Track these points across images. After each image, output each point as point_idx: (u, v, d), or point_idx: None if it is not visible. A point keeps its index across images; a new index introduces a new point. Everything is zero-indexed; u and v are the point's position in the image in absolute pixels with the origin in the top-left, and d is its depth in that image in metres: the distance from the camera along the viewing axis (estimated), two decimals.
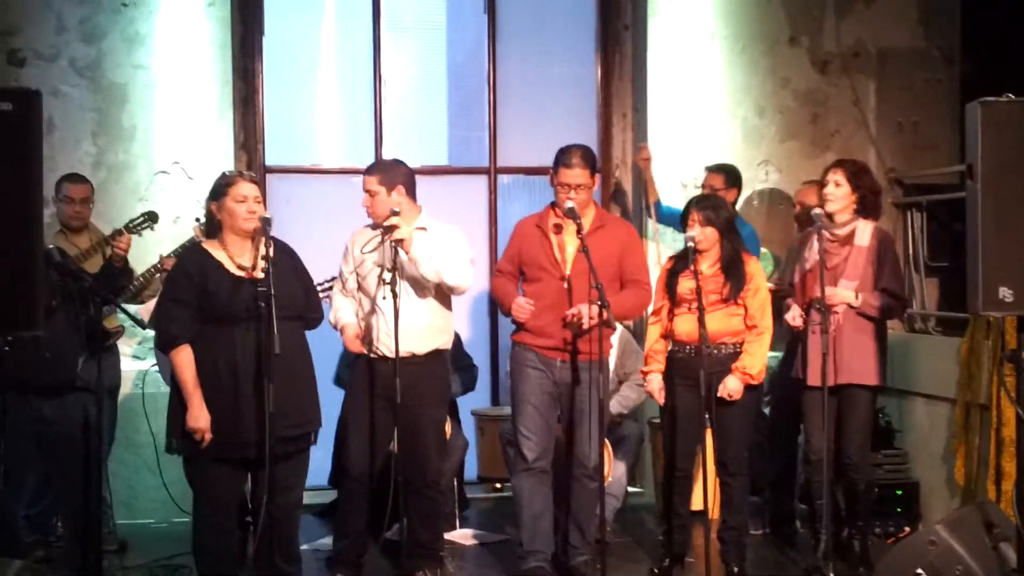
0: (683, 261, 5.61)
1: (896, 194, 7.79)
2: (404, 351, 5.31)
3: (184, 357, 4.78)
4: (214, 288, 4.79)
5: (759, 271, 5.71)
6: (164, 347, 4.86)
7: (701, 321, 5.36)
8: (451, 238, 5.58)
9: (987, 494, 5.95)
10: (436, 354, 5.56)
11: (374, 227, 5.58)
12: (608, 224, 5.63)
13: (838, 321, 5.65)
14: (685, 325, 5.58)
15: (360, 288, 5.57)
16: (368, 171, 5.64)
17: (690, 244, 5.51)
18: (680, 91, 7.69)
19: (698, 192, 6.98)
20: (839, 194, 5.71)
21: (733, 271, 5.58)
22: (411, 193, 5.58)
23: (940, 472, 6.62)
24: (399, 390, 5.19)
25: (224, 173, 5.06)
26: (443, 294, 5.58)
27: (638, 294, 5.60)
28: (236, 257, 4.88)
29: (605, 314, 5.19)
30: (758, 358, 5.57)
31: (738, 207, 7.33)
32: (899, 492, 6.70)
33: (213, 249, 4.92)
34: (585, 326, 5.38)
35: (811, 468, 5.81)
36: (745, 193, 7.56)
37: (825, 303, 5.54)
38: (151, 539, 6.61)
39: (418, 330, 5.44)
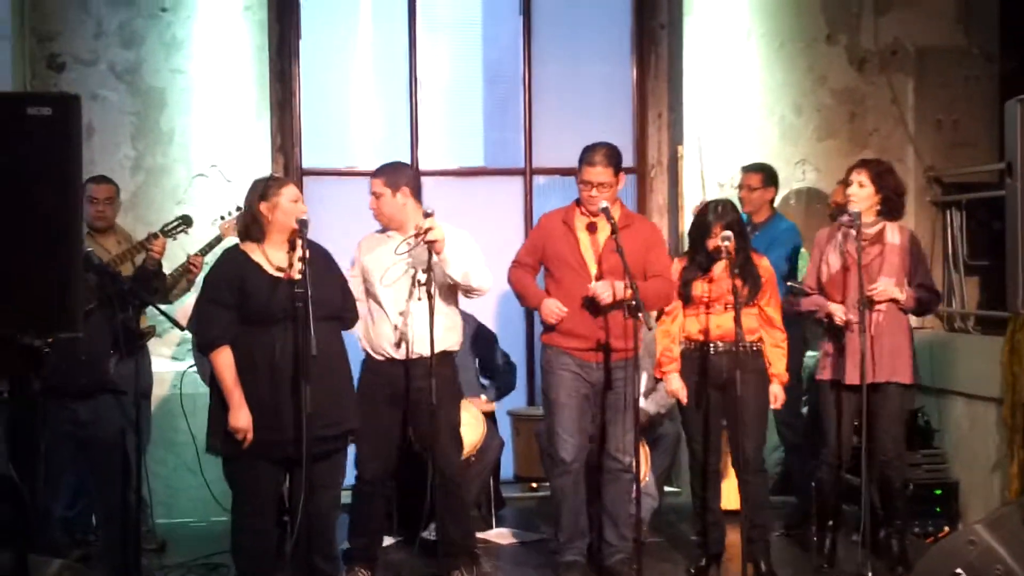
0: (694, 264, 5.65)
1: (935, 192, 7.74)
2: (413, 353, 5.39)
3: (224, 358, 4.83)
4: (252, 289, 4.83)
5: (770, 270, 5.73)
6: (204, 348, 4.90)
7: (737, 321, 5.36)
8: (464, 241, 5.59)
9: None
10: (444, 355, 5.57)
11: (382, 231, 5.60)
12: (634, 223, 5.64)
13: (878, 319, 5.63)
14: (695, 324, 5.65)
15: (368, 293, 5.59)
16: (374, 173, 5.67)
17: (726, 243, 5.47)
18: (716, 90, 7.68)
19: (735, 192, 6.97)
20: (863, 195, 5.71)
21: (749, 274, 5.59)
22: (416, 195, 5.61)
23: (979, 472, 6.57)
24: (433, 390, 5.21)
25: (271, 175, 5.10)
26: (450, 296, 5.58)
27: (663, 284, 5.61)
28: (273, 258, 4.91)
29: (640, 314, 5.19)
30: (785, 359, 5.67)
31: (776, 205, 7.32)
32: (938, 492, 6.66)
33: (251, 251, 4.95)
34: (606, 301, 5.39)
35: (825, 469, 5.86)
36: (782, 192, 7.52)
37: (871, 300, 5.53)
38: (190, 538, 6.68)
39: (424, 330, 5.43)
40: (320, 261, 5.02)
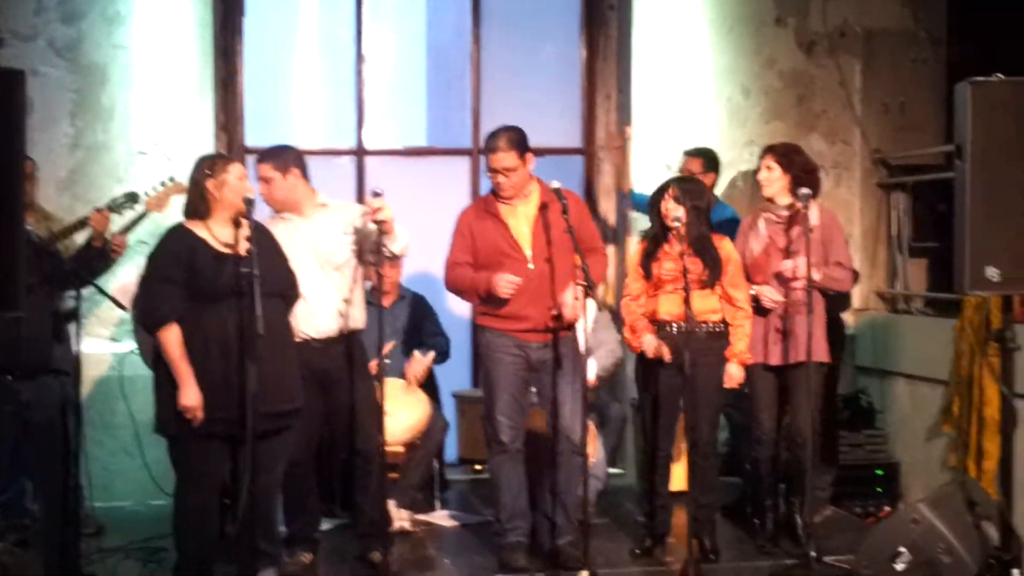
0: (655, 242, 5.63)
1: (881, 175, 7.77)
2: (322, 332, 5.36)
3: (172, 336, 4.76)
4: (200, 266, 4.78)
5: (734, 252, 5.73)
6: (152, 327, 4.82)
7: (687, 302, 5.34)
8: (362, 211, 5.57)
9: (968, 473, 5.97)
10: (356, 333, 5.54)
11: (275, 215, 5.55)
12: (555, 198, 5.54)
13: (796, 298, 5.66)
14: (667, 305, 5.59)
15: None
16: (260, 159, 5.61)
17: (676, 224, 5.48)
18: (665, 72, 7.64)
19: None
20: (773, 178, 5.78)
21: (707, 254, 5.60)
22: (305, 174, 5.56)
23: (920, 452, 6.63)
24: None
25: (218, 152, 5.04)
26: (352, 273, 5.51)
27: (598, 260, 5.67)
28: (219, 235, 4.86)
29: (590, 293, 5.20)
30: (746, 340, 5.67)
31: (722, 189, 7.33)
32: (880, 472, 6.72)
33: (196, 228, 4.90)
34: (569, 316, 5.39)
35: (760, 447, 5.89)
36: (730, 175, 7.55)
37: (787, 277, 5.61)
38: (128, 521, 6.57)
39: (333, 310, 5.42)
40: (265, 239, 4.97)
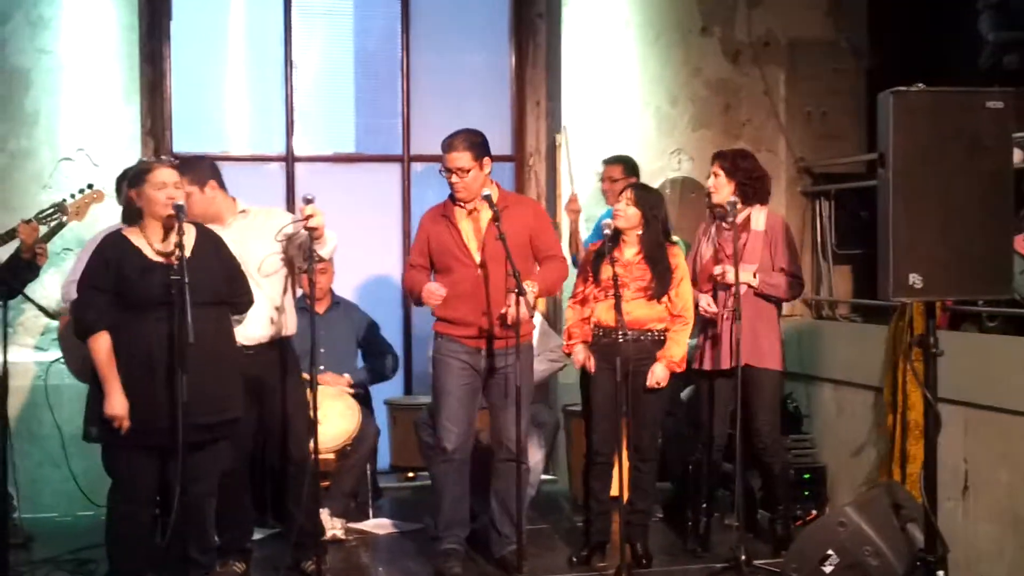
0: (604, 247, 5.61)
1: (805, 182, 7.90)
2: (253, 339, 5.32)
3: (101, 343, 4.72)
4: (129, 273, 4.74)
5: (683, 261, 5.77)
6: (82, 334, 4.78)
7: (618, 308, 5.38)
8: (285, 214, 5.56)
9: (893, 476, 6.08)
10: (284, 340, 5.52)
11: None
12: (512, 204, 5.61)
13: (731, 305, 5.74)
14: (607, 311, 5.60)
15: None
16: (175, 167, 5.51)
17: (606, 232, 5.53)
18: (594, 80, 7.71)
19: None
20: (719, 184, 5.85)
21: (658, 264, 5.63)
22: (223, 185, 5.49)
23: (846, 456, 6.74)
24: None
25: (142, 160, 4.99)
26: (280, 281, 5.48)
27: (556, 267, 5.64)
28: (155, 243, 4.81)
29: (522, 301, 5.20)
30: (682, 346, 5.69)
31: None
32: (807, 476, 6.79)
33: (133, 236, 4.86)
34: (509, 321, 5.39)
35: (703, 451, 5.96)
36: (657, 182, 7.62)
37: (723, 282, 5.67)
38: (56, 532, 6.47)
39: (264, 317, 5.38)
40: (208, 246, 4.93)
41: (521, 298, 5.24)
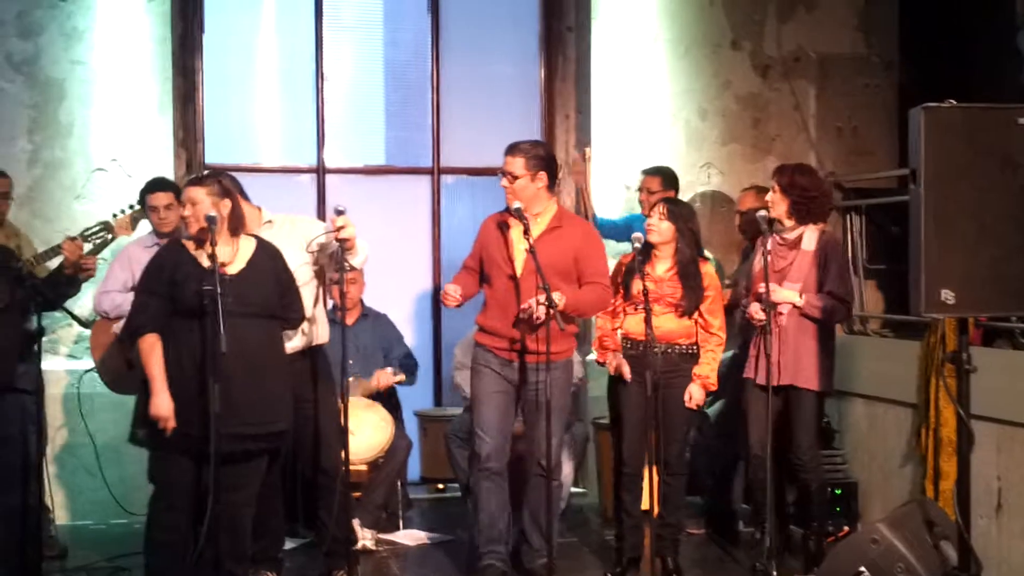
0: (640, 259, 5.57)
1: (835, 197, 7.87)
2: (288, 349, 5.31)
3: (148, 345, 4.81)
4: (181, 280, 4.82)
5: (714, 276, 5.77)
6: (130, 336, 4.89)
7: (648, 323, 5.37)
8: (319, 225, 5.59)
9: (926, 493, 6.05)
10: (315, 349, 5.54)
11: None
12: (566, 224, 5.58)
13: (781, 322, 5.71)
14: (637, 324, 5.60)
15: None
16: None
17: (636, 245, 5.51)
18: (623, 93, 7.73)
19: (637, 195, 7.05)
20: (775, 200, 5.79)
21: (690, 280, 5.63)
22: (245, 195, 5.44)
23: (878, 472, 6.71)
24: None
25: (195, 175, 5.09)
26: (311, 291, 5.47)
27: (597, 292, 5.56)
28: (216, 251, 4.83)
29: (552, 313, 5.19)
30: (715, 365, 5.71)
31: None
32: (838, 492, 6.76)
33: (189, 244, 4.95)
34: (536, 319, 5.37)
35: (754, 465, 5.85)
36: (687, 196, 7.61)
37: (769, 301, 5.60)
38: (90, 541, 6.51)
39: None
40: (265, 259, 5.00)
41: (551, 310, 5.22)
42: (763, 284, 5.60)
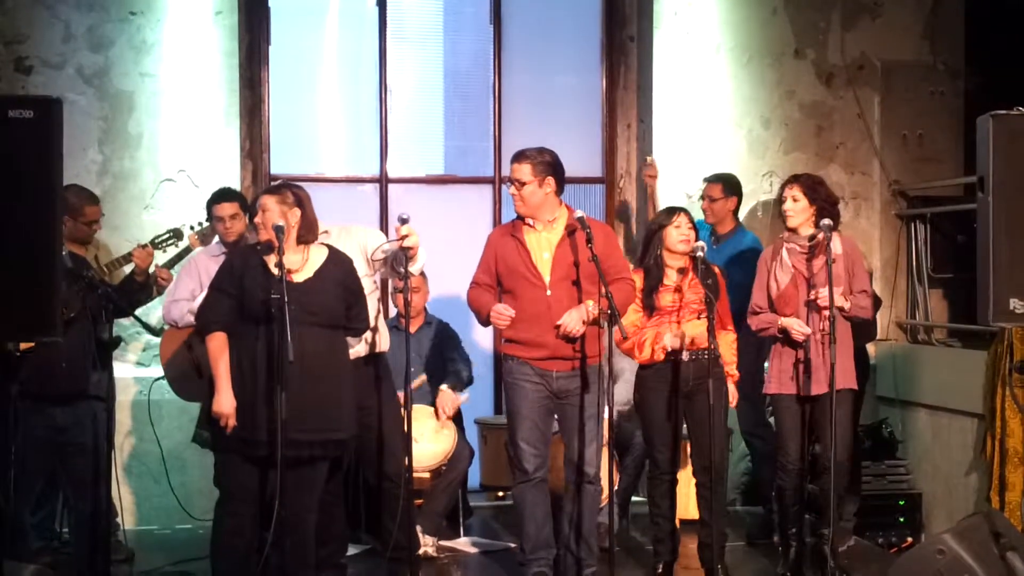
0: (653, 275, 5.69)
1: (900, 206, 7.82)
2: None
3: (216, 343, 4.92)
4: (250, 284, 4.90)
5: (720, 277, 5.83)
6: (199, 332, 5.05)
7: (710, 331, 5.38)
8: (372, 232, 5.62)
9: (991, 504, 5.99)
10: (378, 356, 5.59)
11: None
12: (582, 227, 5.55)
13: (824, 328, 5.69)
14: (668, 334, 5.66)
15: None
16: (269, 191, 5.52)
17: (700, 254, 5.55)
18: (685, 102, 7.72)
19: (699, 203, 7.04)
20: (798, 208, 5.78)
21: (708, 281, 5.65)
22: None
23: (942, 483, 6.65)
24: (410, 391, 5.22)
25: (269, 186, 5.18)
26: (373, 300, 5.52)
27: (625, 288, 5.59)
28: (285, 259, 4.90)
29: (615, 322, 5.21)
30: (735, 359, 5.81)
31: (742, 218, 7.37)
32: (902, 503, 6.72)
33: (262, 251, 5.03)
34: (575, 333, 5.40)
35: (786, 475, 5.87)
36: (749, 204, 7.60)
37: (820, 307, 5.60)
38: (155, 546, 6.62)
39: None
40: (334, 270, 5.06)
41: (610, 320, 5.24)
42: (808, 293, 5.68)
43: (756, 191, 7.71)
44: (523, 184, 5.52)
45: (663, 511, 5.82)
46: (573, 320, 5.39)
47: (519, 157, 5.57)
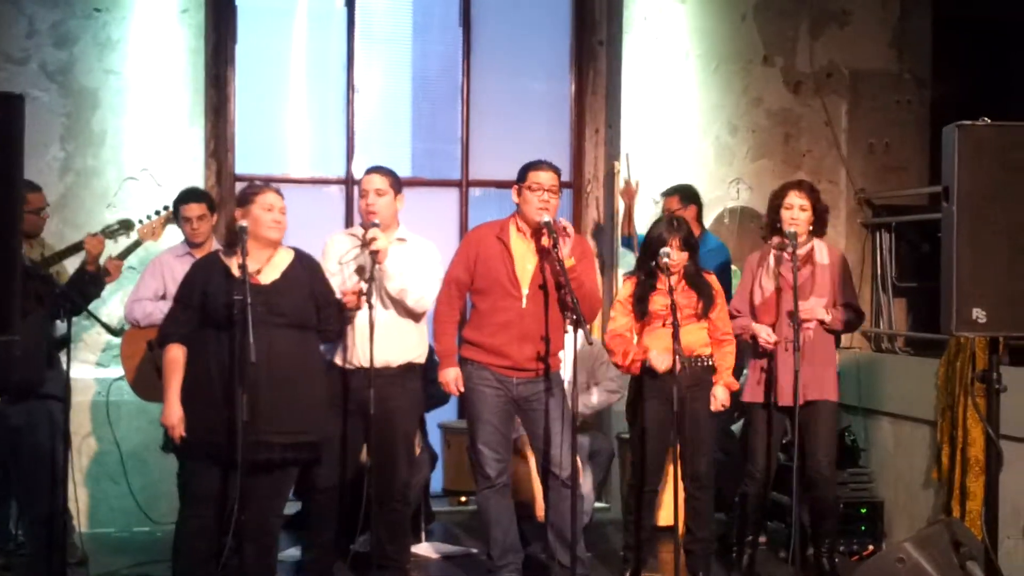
0: (647, 281, 5.62)
1: (866, 214, 7.85)
2: (379, 362, 5.26)
3: (171, 355, 4.89)
4: (213, 290, 4.85)
5: (719, 286, 5.78)
6: (159, 343, 5.00)
7: (676, 337, 5.33)
8: (428, 254, 5.59)
9: (952, 513, 6.00)
10: (410, 367, 5.53)
11: (350, 233, 5.56)
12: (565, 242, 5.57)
13: (809, 337, 5.70)
14: (662, 340, 5.57)
15: None
16: (375, 170, 5.56)
17: (665, 260, 5.49)
18: (653, 108, 7.72)
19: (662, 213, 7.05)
20: (803, 218, 5.76)
21: (701, 287, 5.64)
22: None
23: (904, 491, 6.66)
24: (372, 401, 5.16)
25: (253, 183, 5.10)
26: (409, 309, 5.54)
27: (590, 297, 5.58)
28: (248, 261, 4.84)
29: (582, 327, 5.18)
30: (732, 366, 5.72)
31: (708, 224, 7.37)
32: (863, 511, 6.72)
33: (227, 255, 4.97)
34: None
35: (752, 483, 5.89)
36: (716, 211, 7.62)
37: (799, 319, 5.57)
38: (112, 549, 6.53)
39: (393, 342, 5.40)
40: (300, 271, 5.02)
41: (576, 324, 5.23)
42: (804, 305, 5.65)
43: (723, 198, 7.72)
44: (556, 193, 5.51)
45: (643, 520, 5.77)
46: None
47: (548, 167, 5.53)
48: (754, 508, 5.94)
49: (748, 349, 5.93)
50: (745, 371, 5.97)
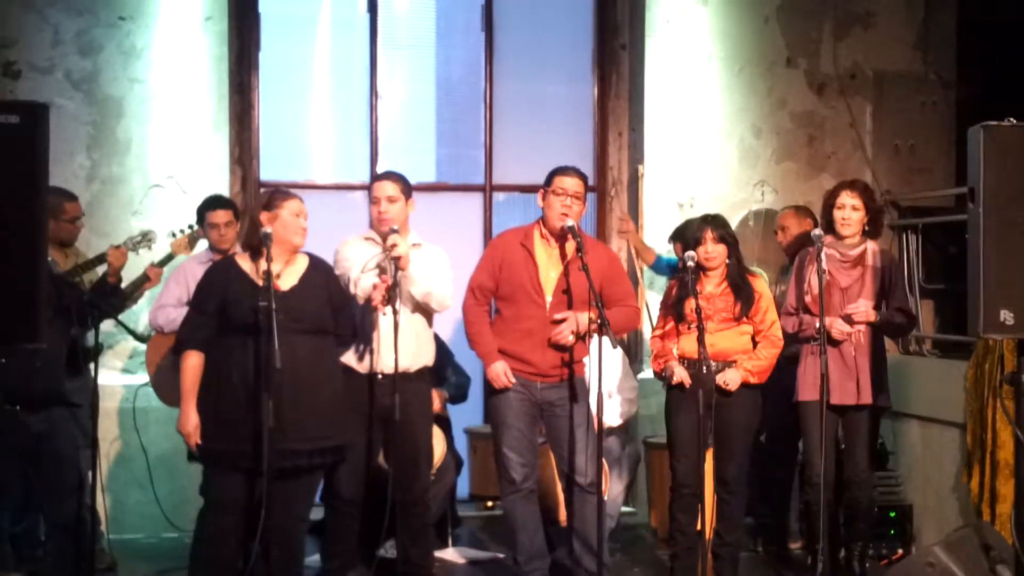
0: (692, 279, 5.49)
1: (891, 216, 7.80)
2: (382, 368, 5.34)
3: (189, 362, 4.88)
4: (234, 297, 4.86)
5: (766, 288, 5.72)
6: (176, 349, 4.98)
7: (701, 341, 5.31)
8: (439, 258, 5.60)
9: (982, 516, 5.96)
10: (423, 371, 5.56)
11: (366, 238, 5.55)
12: (589, 248, 5.50)
13: (858, 340, 5.66)
14: (692, 343, 5.52)
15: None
16: (386, 176, 5.59)
17: (690, 263, 5.45)
18: (677, 111, 7.71)
19: (692, 212, 7.01)
20: (856, 218, 5.74)
21: (742, 289, 5.58)
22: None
23: (933, 495, 6.62)
24: (397, 407, 5.17)
25: (277, 189, 5.12)
26: (426, 311, 5.56)
27: (628, 313, 5.63)
28: (263, 268, 4.86)
29: (605, 331, 5.16)
30: (764, 362, 5.58)
31: (735, 227, 7.33)
32: (892, 514, 6.68)
33: (243, 261, 4.98)
34: (569, 342, 5.41)
35: (812, 490, 5.75)
36: (740, 214, 7.59)
37: (850, 319, 5.58)
38: (139, 554, 6.56)
39: (411, 347, 5.41)
40: (317, 276, 5.03)
41: (599, 329, 5.21)
42: (850, 308, 5.63)
43: (747, 200, 7.70)
44: (581, 199, 5.53)
45: (682, 526, 5.67)
46: (565, 329, 5.37)
47: (574, 172, 5.54)
48: (816, 516, 5.65)
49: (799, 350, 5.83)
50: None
